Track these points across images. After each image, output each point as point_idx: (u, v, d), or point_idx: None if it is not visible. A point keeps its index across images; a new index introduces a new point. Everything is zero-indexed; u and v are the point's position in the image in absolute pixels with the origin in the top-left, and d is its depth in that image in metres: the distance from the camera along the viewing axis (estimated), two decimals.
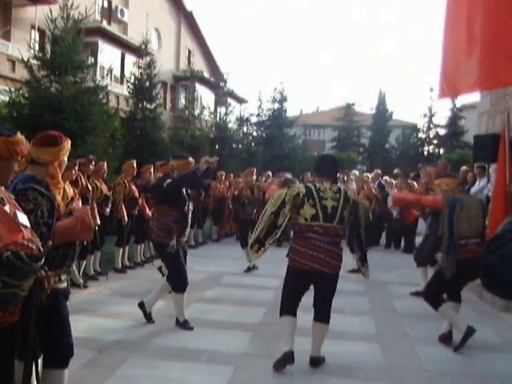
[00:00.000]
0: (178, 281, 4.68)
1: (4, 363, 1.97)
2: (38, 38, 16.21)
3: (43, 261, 1.96)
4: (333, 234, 3.69)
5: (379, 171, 11.79)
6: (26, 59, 9.21)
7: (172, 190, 4.65)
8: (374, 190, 8.58)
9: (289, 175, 11.29)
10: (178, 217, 4.70)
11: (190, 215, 5.22)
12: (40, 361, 2.62)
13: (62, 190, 2.64)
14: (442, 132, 26.95)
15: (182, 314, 4.74)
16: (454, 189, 4.48)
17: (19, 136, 2.04)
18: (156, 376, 3.58)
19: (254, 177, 8.93)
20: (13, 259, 1.79)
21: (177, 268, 4.67)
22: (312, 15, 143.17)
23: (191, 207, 5.26)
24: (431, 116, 27.00)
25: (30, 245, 1.89)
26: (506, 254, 1.05)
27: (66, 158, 2.68)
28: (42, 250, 1.96)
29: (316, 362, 3.83)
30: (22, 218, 2.00)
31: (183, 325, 4.70)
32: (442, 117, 26.97)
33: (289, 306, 3.80)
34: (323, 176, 3.85)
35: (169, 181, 4.71)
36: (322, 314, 3.79)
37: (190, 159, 4.96)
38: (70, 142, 2.69)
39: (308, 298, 3.83)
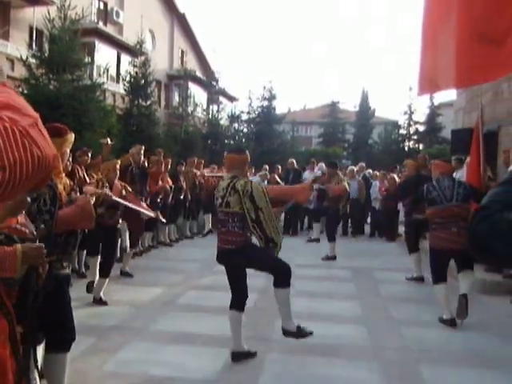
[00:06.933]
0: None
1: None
2: (35, 38, 15.90)
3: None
4: None
5: (363, 164, 11.85)
6: (24, 58, 9.03)
7: None
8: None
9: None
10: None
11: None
12: (42, 345, 2.57)
13: (63, 180, 2.58)
14: (422, 128, 27.12)
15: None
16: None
17: None
18: (154, 359, 3.54)
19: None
20: (6, 242, 1.76)
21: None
22: (297, 17, 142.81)
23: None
24: (411, 113, 27.13)
25: (23, 229, 1.86)
26: (494, 223, 1.04)
27: (68, 151, 2.62)
28: (35, 234, 1.92)
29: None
30: None
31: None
32: (421, 114, 27.20)
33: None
34: None
35: None
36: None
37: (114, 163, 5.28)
38: (73, 135, 2.63)
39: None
